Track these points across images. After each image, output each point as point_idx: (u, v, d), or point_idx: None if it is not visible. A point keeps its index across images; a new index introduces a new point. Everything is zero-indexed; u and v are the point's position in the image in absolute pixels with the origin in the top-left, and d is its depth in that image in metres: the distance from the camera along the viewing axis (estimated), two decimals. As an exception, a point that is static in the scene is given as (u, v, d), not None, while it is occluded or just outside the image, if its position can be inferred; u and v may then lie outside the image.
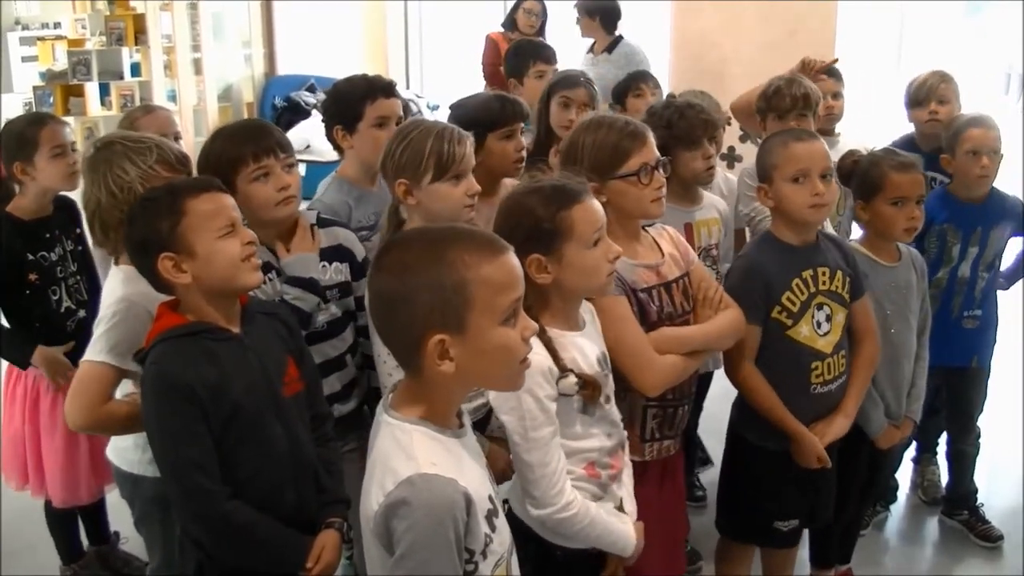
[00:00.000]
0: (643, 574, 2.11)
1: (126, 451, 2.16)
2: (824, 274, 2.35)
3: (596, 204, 1.90)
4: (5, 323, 2.75)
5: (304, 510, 1.89)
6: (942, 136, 3.11)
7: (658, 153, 2.21)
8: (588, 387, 1.86)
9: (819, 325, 2.35)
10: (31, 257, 2.70)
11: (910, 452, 3.58)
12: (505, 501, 1.84)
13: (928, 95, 3.32)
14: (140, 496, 2.19)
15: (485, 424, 2.30)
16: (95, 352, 1.96)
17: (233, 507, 1.78)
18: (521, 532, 1.87)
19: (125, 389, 2.06)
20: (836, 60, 3.49)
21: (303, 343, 2.03)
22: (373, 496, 1.43)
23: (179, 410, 1.74)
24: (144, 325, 1.95)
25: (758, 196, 2.44)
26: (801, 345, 2.33)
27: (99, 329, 1.99)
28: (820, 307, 2.35)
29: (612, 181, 2.15)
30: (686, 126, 2.65)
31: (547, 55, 3.88)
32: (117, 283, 2.05)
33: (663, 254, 2.24)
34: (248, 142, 2.18)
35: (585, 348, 1.92)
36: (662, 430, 2.24)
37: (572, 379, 1.84)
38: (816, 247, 2.38)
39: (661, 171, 2.19)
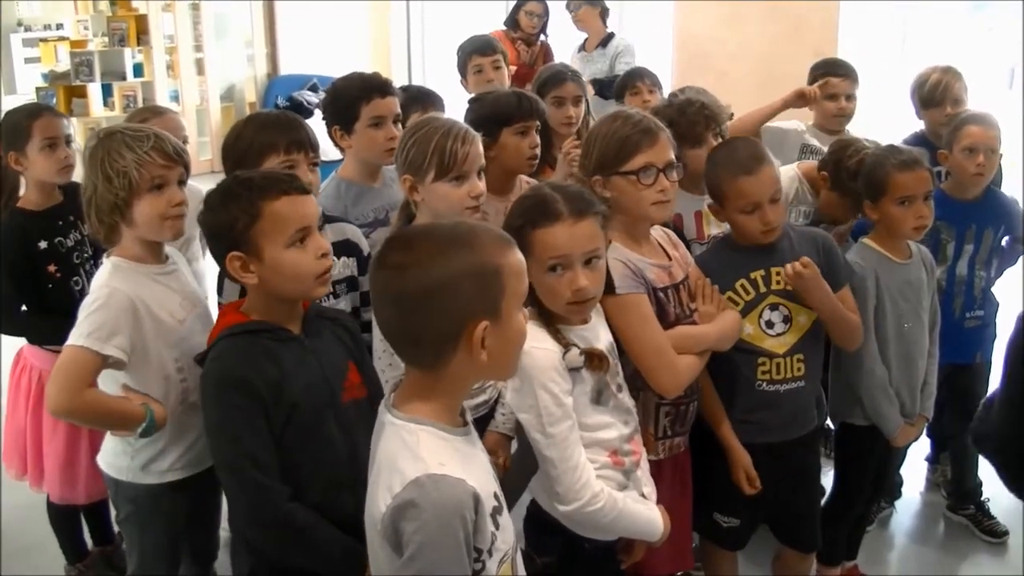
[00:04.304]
0: (654, 570, 2.11)
1: (116, 456, 2.16)
2: (779, 273, 2.32)
3: (576, 231, 1.82)
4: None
5: (362, 517, 1.87)
6: None
7: (672, 156, 2.15)
8: (594, 359, 1.85)
9: (770, 325, 2.32)
10: (44, 245, 2.70)
11: (924, 452, 3.57)
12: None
13: (944, 96, 3.28)
14: (122, 498, 2.19)
15: (487, 421, 2.30)
16: (75, 336, 1.96)
17: (292, 508, 1.74)
18: (547, 525, 1.89)
19: (112, 390, 2.05)
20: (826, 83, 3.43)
21: (366, 352, 2.01)
22: (380, 498, 1.42)
23: (239, 404, 1.72)
24: (126, 313, 1.97)
25: (712, 212, 2.42)
26: (744, 342, 2.32)
27: (81, 315, 1.99)
28: (774, 307, 2.33)
29: (615, 177, 2.13)
30: (687, 123, 2.63)
31: (482, 48, 3.80)
32: (104, 272, 2.07)
33: (669, 257, 2.24)
34: (283, 133, 2.20)
35: (590, 339, 1.91)
36: (674, 427, 2.25)
37: (575, 351, 1.83)
38: (773, 247, 2.33)
39: (670, 175, 2.13)
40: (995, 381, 3.18)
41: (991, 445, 1.75)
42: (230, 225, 1.77)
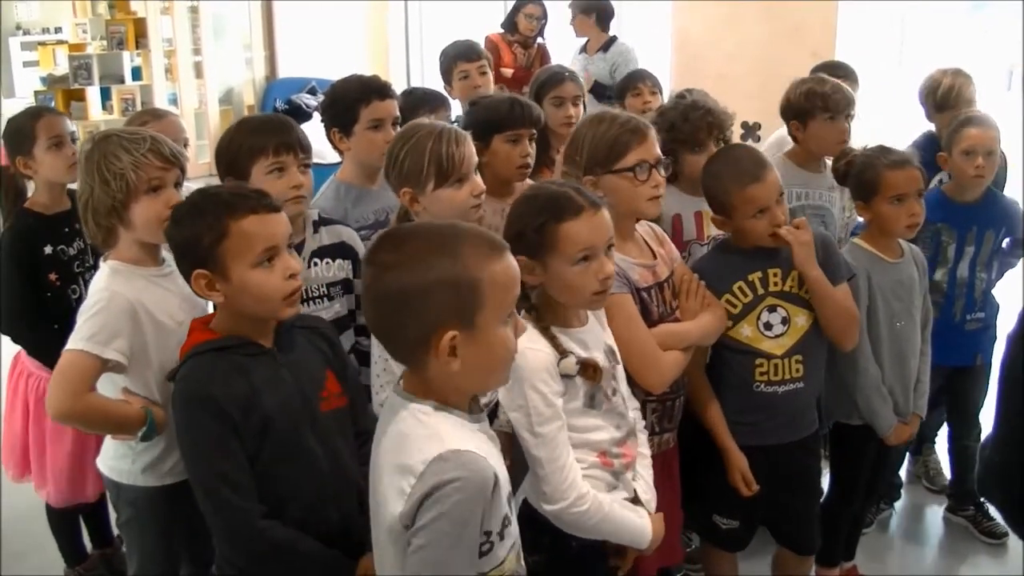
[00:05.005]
0: (642, 564, 2.11)
1: (116, 459, 2.15)
2: (776, 275, 2.32)
3: (596, 221, 1.84)
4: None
5: (350, 530, 1.83)
6: None
7: (659, 152, 2.19)
8: (588, 368, 1.86)
9: (768, 327, 2.32)
10: (49, 250, 2.69)
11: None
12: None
13: (958, 99, 3.30)
14: (122, 501, 2.19)
15: (490, 420, 2.29)
16: (74, 340, 1.96)
17: (266, 525, 1.73)
18: (535, 522, 1.88)
19: (111, 394, 2.05)
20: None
21: (346, 358, 1.99)
22: (400, 477, 1.41)
23: (207, 424, 1.71)
24: (126, 316, 1.97)
25: (715, 224, 2.42)
26: (742, 344, 2.32)
27: (81, 319, 1.99)
28: (773, 309, 2.33)
29: (607, 176, 2.14)
30: (690, 129, 2.61)
31: (466, 54, 3.79)
32: (103, 276, 2.06)
33: (655, 255, 2.25)
34: (272, 135, 2.21)
35: (587, 342, 1.91)
36: (661, 423, 2.26)
37: (572, 359, 1.84)
38: (770, 249, 2.32)
39: (660, 171, 2.17)
40: (994, 382, 3.22)
41: (991, 484, 1.75)
42: (196, 241, 1.74)
